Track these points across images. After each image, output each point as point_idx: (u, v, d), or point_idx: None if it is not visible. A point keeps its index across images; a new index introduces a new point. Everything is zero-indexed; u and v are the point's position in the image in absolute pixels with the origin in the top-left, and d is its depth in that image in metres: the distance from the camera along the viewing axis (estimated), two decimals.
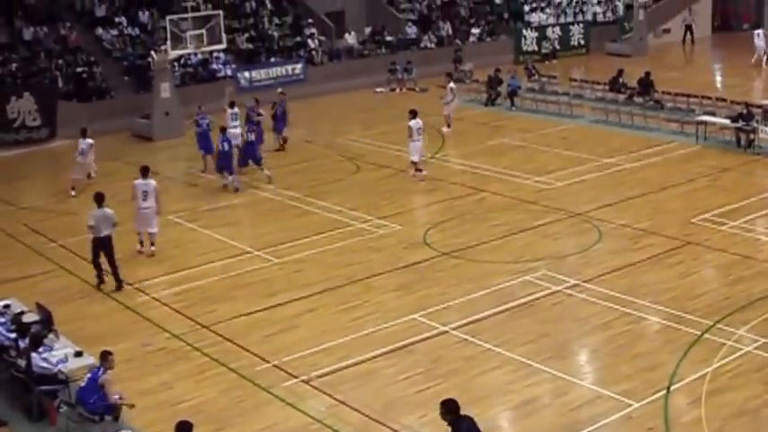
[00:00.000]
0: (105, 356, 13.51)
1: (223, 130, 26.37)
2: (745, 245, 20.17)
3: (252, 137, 26.96)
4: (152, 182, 21.31)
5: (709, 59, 48.17)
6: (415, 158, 25.87)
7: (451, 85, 32.10)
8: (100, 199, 19.15)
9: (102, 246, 19.01)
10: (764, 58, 42.55)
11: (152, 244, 21.24)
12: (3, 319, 15.59)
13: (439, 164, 27.76)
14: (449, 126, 31.43)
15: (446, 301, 17.83)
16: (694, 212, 22.23)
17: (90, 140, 26.74)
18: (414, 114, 25.95)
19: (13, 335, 14.83)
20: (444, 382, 14.72)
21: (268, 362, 15.72)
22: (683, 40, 50.54)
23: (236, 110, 28.67)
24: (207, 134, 27.67)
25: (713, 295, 17.64)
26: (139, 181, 21.21)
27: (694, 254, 19.81)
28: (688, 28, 50.47)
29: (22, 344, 14.43)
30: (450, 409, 10.96)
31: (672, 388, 14.24)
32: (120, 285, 19.19)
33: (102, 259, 19.20)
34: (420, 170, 25.95)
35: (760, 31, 43.93)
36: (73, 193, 26.24)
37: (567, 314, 17.24)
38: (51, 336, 14.98)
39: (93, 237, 19.09)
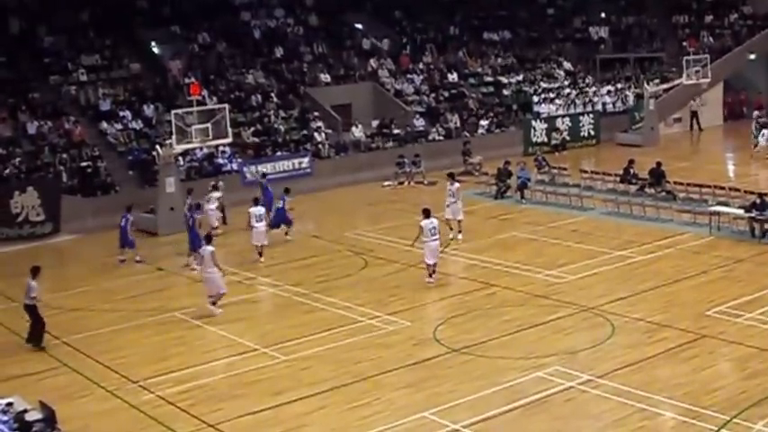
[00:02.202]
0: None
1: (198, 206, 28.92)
2: (761, 337, 19.77)
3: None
4: (208, 248, 22.93)
5: (721, 148, 48.19)
6: (430, 261, 24.90)
7: (455, 185, 29.75)
8: (34, 271, 21.60)
9: (26, 310, 21.41)
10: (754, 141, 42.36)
11: (213, 303, 23.02)
12: (5, 418, 15.32)
13: (448, 258, 27.59)
14: (459, 231, 29.48)
15: (457, 398, 17.46)
16: (709, 305, 21.91)
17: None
18: (427, 214, 25.12)
19: None
20: None
21: None
22: (689, 126, 50.67)
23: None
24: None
25: (730, 389, 17.24)
26: (204, 247, 23.14)
27: (709, 347, 19.45)
28: (694, 114, 50.66)
29: None
30: None
31: None
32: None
33: None
34: (432, 273, 24.93)
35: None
36: (262, 259, 27.97)
37: (581, 411, 16.84)
38: None
39: None
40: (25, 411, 15.53)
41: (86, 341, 20.59)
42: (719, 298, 22.38)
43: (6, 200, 32.86)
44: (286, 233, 30.51)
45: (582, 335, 20.72)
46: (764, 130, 41.91)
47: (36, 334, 21.36)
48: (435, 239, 24.72)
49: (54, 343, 21.78)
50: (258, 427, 16.78)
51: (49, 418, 15.12)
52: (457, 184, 29.81)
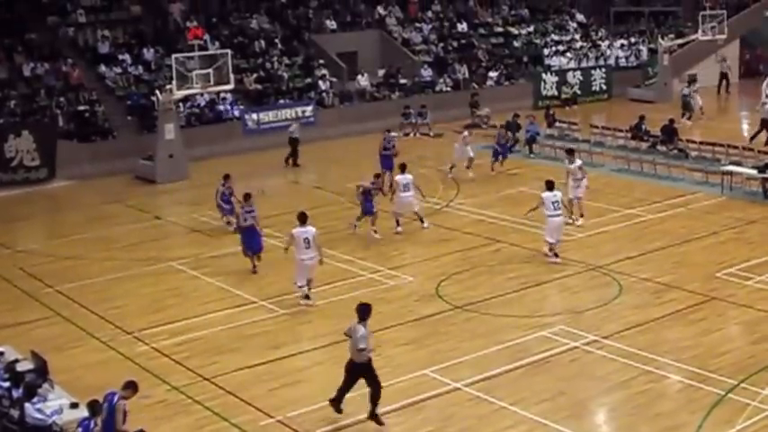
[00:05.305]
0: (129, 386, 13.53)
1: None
2: None
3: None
4: (311, 229, 20.03)
5: (735, 106, 47.52)
6: (551, 239, 22.51)
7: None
8: (363, 312, 15.16)
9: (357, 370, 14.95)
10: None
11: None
12: None
13: (453, 213, 27.20)
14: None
15: (459, 356, 17.28)
16: (719, 266, 21.59)
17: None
18: (550, 186, 22.46)
19: (7, 384, 14.41)
20: None
21: (272, 417, 15.21)
22: (717, 89, 49.43)
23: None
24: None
25: (738, 353, 17.06)
26: (298, 229, 19.95)
27: (718, 310, 19.21)
28: (723, 76, 49.49)
29: (16, 394, 14.04)
30: None
31: None
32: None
33: None
34: (555, 254, 22.44)
35: None
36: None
37: (585, 371, 16.68)
38: (46, 386, 14.56)
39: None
40: (16, 361, 15.38)
41: (80, 290, 20.34)
42: (730, 260, 22.08)
43: (0, 144, 32.35)
44: None
45: (588, 294, 20.45)
46: None
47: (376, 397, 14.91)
48: (559, 214, 22.49)
49: (46, 291, 21.55)
50: (255, 381, 16.59)
51: (41, 369, 14.95)
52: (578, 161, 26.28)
